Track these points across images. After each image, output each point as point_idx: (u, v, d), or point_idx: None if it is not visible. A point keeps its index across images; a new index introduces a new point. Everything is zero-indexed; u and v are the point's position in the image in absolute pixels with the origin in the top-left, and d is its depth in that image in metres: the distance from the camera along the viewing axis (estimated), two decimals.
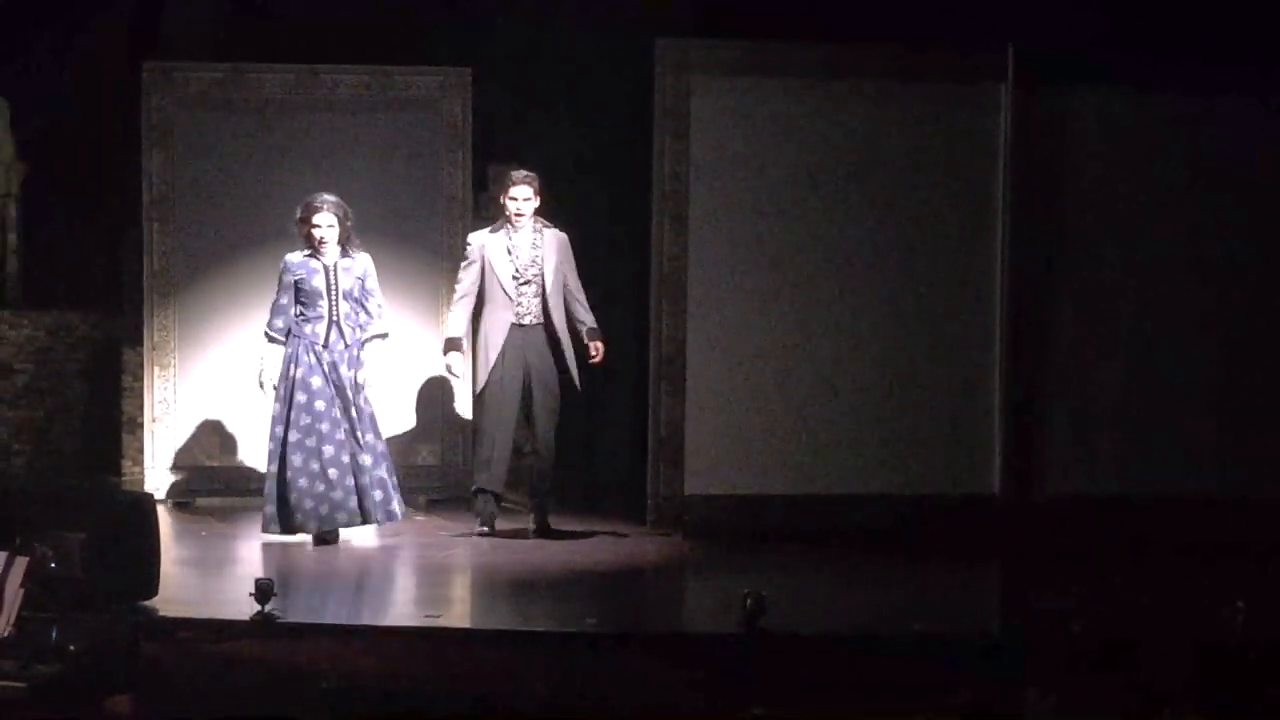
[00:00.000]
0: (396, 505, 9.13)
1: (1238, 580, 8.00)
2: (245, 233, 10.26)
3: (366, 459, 9.02)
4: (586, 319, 9.41)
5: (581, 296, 9.44)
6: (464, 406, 10.30)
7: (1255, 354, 9.73)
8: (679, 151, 9.47)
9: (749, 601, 7.11)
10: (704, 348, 9.53)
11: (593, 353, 9.39)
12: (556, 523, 9.49)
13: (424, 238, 10.31)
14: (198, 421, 10.44)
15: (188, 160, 10.40)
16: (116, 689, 6.71)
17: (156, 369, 10.44)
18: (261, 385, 9.11)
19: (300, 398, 8.97)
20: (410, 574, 8.78)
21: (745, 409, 9.56)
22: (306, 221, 9.09)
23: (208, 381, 10.39)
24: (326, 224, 9.06)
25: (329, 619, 7.57)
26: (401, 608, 8.28)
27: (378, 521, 9.10)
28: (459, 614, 8.12)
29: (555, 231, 9.44)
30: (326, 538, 9.03)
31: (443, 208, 10.46)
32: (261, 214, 10.13)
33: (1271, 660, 6.98)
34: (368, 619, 7.78)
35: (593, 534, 9.49)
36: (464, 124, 10.48)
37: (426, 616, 7.60)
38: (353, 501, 9.00)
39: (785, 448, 9.58)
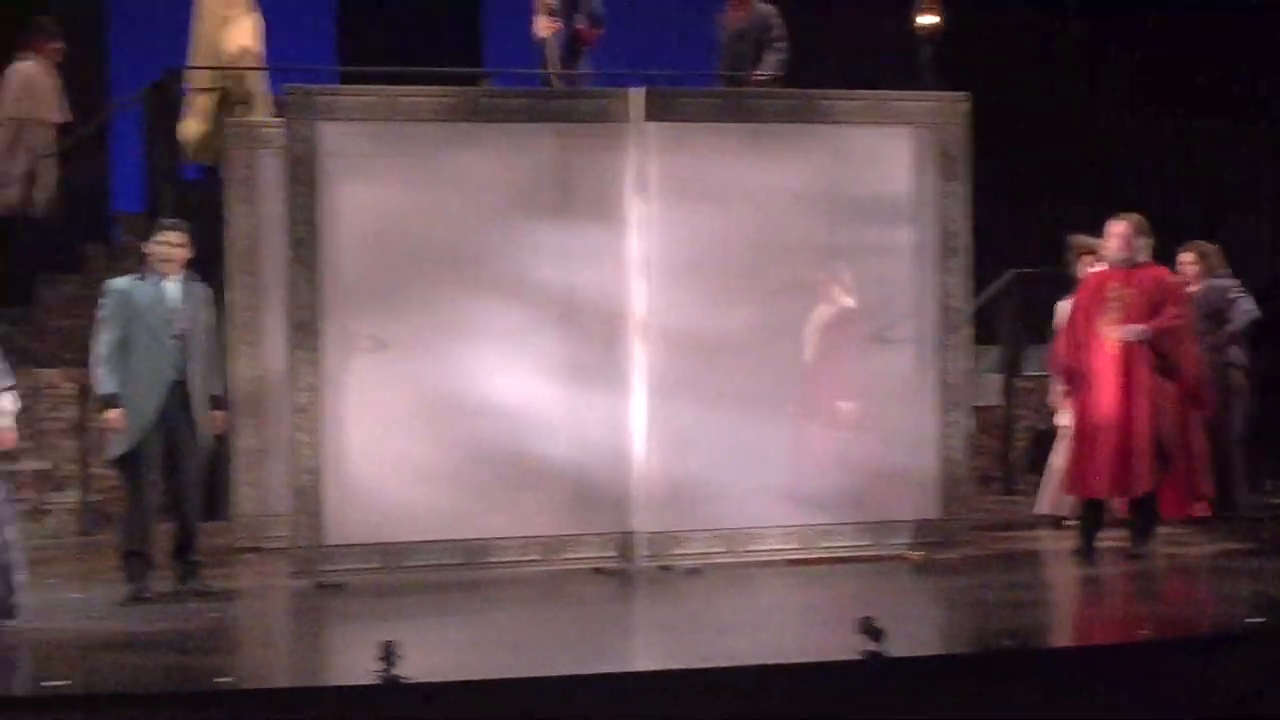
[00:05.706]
0: (18, 600, 8.34)
1: None
2: None
3: None
4: (216, 384, 9.28)
5: (215, 356, 9.26)
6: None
7: None
8: (307, 198, 9.34)
9: (384, 651, 7.06)
10: (341, 395, 9.40)
11: (218, 423, 9.27)
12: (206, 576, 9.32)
13: None
14: None
15: None
16: None
17: None
18: None
19: None
20: (45, 641, 8.32)
21: (384, 456, 9.45)
22: None
23: None
24: None
25: None
26: (23, 674, 7.89)
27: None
28: (87, 682, 7.72)
29: (201, 285, 9.28)
30: None
31: None
32: None
33: None
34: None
35: (235, 591, 9.32)
36: None
37: (42, 685, 7.34)
38: None
39: (427, 493, 9.49)
